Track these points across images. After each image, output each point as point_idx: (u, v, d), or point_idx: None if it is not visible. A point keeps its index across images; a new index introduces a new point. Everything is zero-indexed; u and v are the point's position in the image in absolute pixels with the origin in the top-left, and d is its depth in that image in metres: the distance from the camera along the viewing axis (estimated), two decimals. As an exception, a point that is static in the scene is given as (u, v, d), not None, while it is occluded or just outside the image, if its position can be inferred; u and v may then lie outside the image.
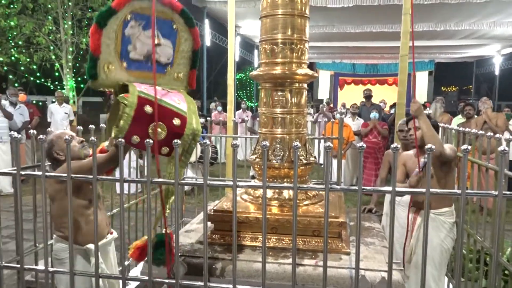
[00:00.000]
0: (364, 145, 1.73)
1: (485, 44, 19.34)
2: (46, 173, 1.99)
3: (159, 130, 2.06)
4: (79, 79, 13.71)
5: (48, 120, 9.44)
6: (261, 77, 2.82)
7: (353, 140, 7.06)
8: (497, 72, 23.94)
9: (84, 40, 11.87)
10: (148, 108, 2.03)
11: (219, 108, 9.34)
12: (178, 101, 2.19)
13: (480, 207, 3.50)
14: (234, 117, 4.99)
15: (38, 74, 13.22)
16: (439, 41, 17.96)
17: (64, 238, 2.51)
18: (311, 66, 24.40)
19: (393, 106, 10.28)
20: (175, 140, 1.82)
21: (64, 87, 12.16)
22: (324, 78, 24.23)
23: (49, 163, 2.62)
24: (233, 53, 5.63)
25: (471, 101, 30.06)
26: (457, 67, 30.59)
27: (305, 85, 2.88)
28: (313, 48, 19.05)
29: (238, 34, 17.50)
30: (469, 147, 1.63)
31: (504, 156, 1.60)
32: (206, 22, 15.15)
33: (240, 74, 31.43)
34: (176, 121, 2.10)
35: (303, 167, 2.80)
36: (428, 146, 1.64)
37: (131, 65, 2.21)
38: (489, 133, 2.98)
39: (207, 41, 16.00)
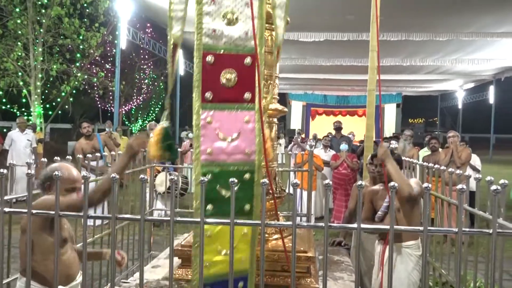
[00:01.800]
0: (331, 182, 1.76)
1: (448, 79, 20.33)
2: (5, 209, 1.91)
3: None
4: (47, 105, 13.43)
5: (7, 147, 8.79)
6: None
7: (322, 169, 7.16)
8: (460, 106, 25.08)
9: (54, 66, 11.71)
10: None
11: (190, 135, 9.26)
12: None
13: (444, 238, 3.57)
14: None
15: (4, 100, 12.87)
16: (405, 75, 18.75)
17: (32, 276, 2.37)
18: (284, 96, 24.86)
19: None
20: (171, 177, 1.79)
21: (31, 113, 11.86)
22: (297, 109, 24.68)
23: (40, 187, 2.43)
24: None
25: (436, 132, 31.21)
26: (423, 100, 31.87)
27: (275, 119, 2.92)
28: (286, 79, 19.48)
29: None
30: (430, 186, 1.69)
31: (463, 194, 1.66)
32: (180, 51, 15.28)
33: (213, 103, 31.55)
34: None
35: (273, 201, 2.81)
36: (391, 184, 1.69)
37: None
38: (451, 169, 3.10)
39: (181, 70, 16.11)
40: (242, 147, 2.20)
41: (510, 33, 11.70)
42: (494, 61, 15.45)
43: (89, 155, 3.45)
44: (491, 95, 21.14)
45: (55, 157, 3.16)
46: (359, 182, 1.71)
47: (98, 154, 3.53)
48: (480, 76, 19.71)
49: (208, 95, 2.19)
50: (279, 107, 2.88)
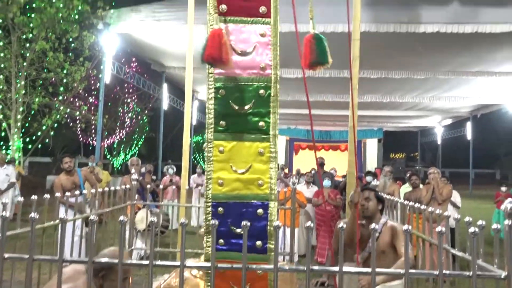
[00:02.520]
0: (312, 224, 1.76)
1: (427, 115, 20.90)
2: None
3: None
4: (27, 139, 13.21)
5: None
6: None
7: (305, 205, 7.13)
8: (439, 142, 25.67)
9: (37, 99, 11.62)
10: None
11: (170, 171, 9.13)
12: None
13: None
14: (189, 182, 4.93)
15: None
16: (386, 111, 19.21)
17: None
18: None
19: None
20: (152, 219, 1.76)
21: (10, 147, 11.63)
22: (280, 143, 24.84)
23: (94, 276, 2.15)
24: (190, 119, 5.69)
25: (417, 167, 31.61)
26: (404, 136, 32.54)
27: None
28: (269, 114, 19.69)
29: (196, 98, 17.87)
30: (410, 228, 1.70)
31: (442, 236, 1.68)
32: (165, 86, 15.41)
33: (197, 137, 31.57)
34: None
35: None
36: (372, 226, 1.69)
37: None
38: (431, 208, 3.13)
39: (165, 105, 16.16)
40: (257, 61, 2.18)
41: (483, 72, 12.22)
42: (470, 98, 16.02)
43: (68, 193, 3.38)
44: (468, 131, 21.75)
45: (32, 196, 3.08)
46: (341, 224, 1.71)
47: (77, 192, 3.45)
48: (457, 112, 20.34)
49: (224, 7, 2.15)
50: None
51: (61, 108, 12.18)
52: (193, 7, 5.65)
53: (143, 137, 25.97)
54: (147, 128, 25.84)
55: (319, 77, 12.37)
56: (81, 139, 22.80)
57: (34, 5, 10.46)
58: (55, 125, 13.04)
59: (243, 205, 2.19)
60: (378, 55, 10.54)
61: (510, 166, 33.12)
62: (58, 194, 3.22)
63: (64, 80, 11.93)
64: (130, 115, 23.61)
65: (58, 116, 12.13)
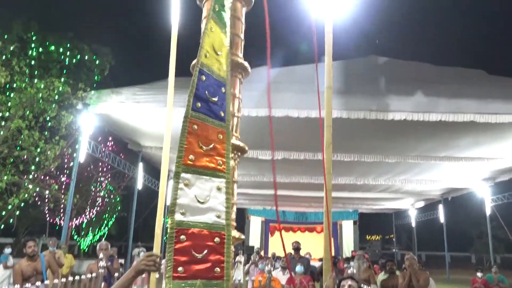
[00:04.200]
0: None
1: (400, 198, 21.24)
2: None
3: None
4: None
5: None
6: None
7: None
8: (413, 224, 25.81)
9: (5, 177, 11.23)
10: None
11: (142, 254, 8.66)
12: None
13: None
14: (161, 267, 4.68)
15: None
16: (360, 193, 19.45)
17: None
18: (243, 212, 24.77)
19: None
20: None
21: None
22: (255, 224, 24.45)
23: None
24: (164, 199, 5.59)
25: (394, 250, 31.27)
26: (379, 217, 32.65)
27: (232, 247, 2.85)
28: (244, 194, 19.61)
29: (172, 178, 17.74)
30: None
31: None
32: (140, 165, 15.31)
33: (171, 217, 30.63)
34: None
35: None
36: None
37: None
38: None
39: (139, 184, 15.92)
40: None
41: (450, 157, 12.76)
42: (440, 182, 16.51)
43: (28, 284, 3.14)
44: (441, 214, 22.06)
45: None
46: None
47: (38, 283, 3.22)
48: (429, 195, 20.78)
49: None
50: (236, 234, 2.84)
51: (30, 187, 11.78)
52: (172, 90, 5.85)
53: (114, 216, 25.09)
54: (119, 208, 25.07)
55: (294, 159, 12.64)
56: (48, 219, 21.78)
57: (14, 85, 10.57)
58: (22, 204, 12.51)
59: None
60: (350, 140, 10.95)
61: (484, 249, 33.25)
62: (17, 287, 2.99)
63: (37, 159, 11.68)
64: (102, 194, 22.99)
65: (26, 195, 11.68)
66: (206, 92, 2.35)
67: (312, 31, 3.04)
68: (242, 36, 2.84)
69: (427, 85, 9.08)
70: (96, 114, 10.39)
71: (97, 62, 11.36)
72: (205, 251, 2.17)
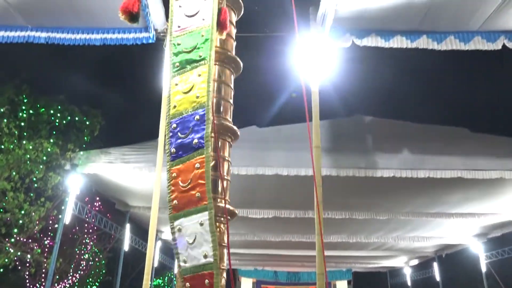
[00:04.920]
0: None
1: (394, 255, 20.83)
2: None
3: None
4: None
5: None
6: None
7: None
8: (409, 283, 25.09)
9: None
10: None
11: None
12: None
13: None
14: None
15: None
16: (353, 251, 19.06)
17: None
18: (234, 272, 23.91)
19: None
20: None
21: None
22: (247, 286, 23.55)
23: None
24: (151, 260, 5.41)
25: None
26: (374, 277, 31.68)
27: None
28: (235, 254, 19.05)
29: (160, 238, 17.27)
30: None
31: None
32: (127, 226, 14.94)
33: (157, 280, 29.49)
34: None
35: None
36: None
37: None
38: None
39: (126, 246, 15.44)
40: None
41: (441, 213, 12.72)
42: (433, 239, 16.31)
43: None
44: (436, 272, 21.56)
45: None
46: None
47: None
48: (423, 252, 20.42)
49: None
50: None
51: (11, 251, 11.31)
52: (162, 150, 5.89)
53: (99, 280, 23.97)
54: (104, 271, 24.05)
55: (285, 217, 12.49)
56: (28, 285, 20.69)
57: (2, 146, 10.50)
58: (1, 269, 11.95)
59: None
60: (340, 197, 10.93)
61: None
62: None
63: (21, 221, 11.32)
64: (86, 256, 22.11)
65: (6, 260, 11.18)
66: (179, 134, 2.50)
67: (300, 91, 3.18)
68: (231, 101, 2.91)
69: (413, 143, 9.27)
70: (84, 174, 10.31)
71: (87, 123, 11.43)
72: None
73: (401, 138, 9.40)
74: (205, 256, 2.24)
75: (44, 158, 10.80)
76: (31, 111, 10.87)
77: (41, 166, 10.64)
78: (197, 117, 2.45)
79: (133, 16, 2.93)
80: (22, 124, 10.65)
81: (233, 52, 2.92)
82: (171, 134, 2.47)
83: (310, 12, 6.03)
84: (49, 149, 10.41)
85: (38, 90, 11.31)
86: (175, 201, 2.36)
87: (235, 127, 2.84)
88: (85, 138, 11.48)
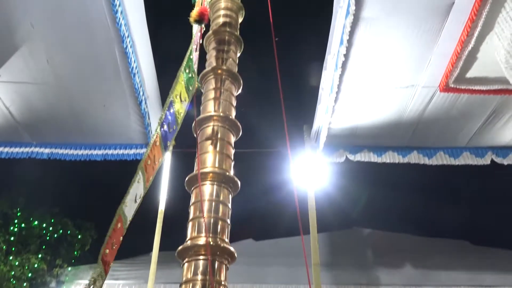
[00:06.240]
0: None
1: None
2: None
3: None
4: None
5: None
6: None
7: None
8: None
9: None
10: None
11: None
12: None
13: None
14: None
15: None
16: None
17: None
18: None
19: None
20: None
21: None
22: None
23: None
24: None
25: None
26: None
27: None
28: None
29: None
30: None
31: None
32: None
33: None
34: None
35: None
36: None
37: None
38: None
39: None
40: None
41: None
42: None
43: None
44: None
45: None
46: None
47: None
48: None
49: None
50: None
51: None
52: (155, 266, 5.65)
53: None
54: None
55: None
56: None
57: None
58: None
59: None
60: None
61: None
62: None
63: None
64: None
65: None
66: (169, 122, 3.23)
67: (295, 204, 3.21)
68: (228, 220, 2.90)
69: (414, 257, 9.01)
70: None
71: (79, 237, 11.11)
72: None
73: (402, 251, 9.15)
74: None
75: (30, 274, 10.30)
76: (23, 225, 10.70)
77: (24, 284, 10.07)
78: (175, 127, 3.54)
79: (201, 22, 3.60)
80: (12, 238, 10.40)
81: (231, 172, 2.99)
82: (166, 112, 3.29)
83: (304, 130, 6.33)
84: (35, 265, 9.99)
85: (33, 202, 11.25)
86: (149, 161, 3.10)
87: (232, 248, 2.76)
88: (75, 253, 11.09)
